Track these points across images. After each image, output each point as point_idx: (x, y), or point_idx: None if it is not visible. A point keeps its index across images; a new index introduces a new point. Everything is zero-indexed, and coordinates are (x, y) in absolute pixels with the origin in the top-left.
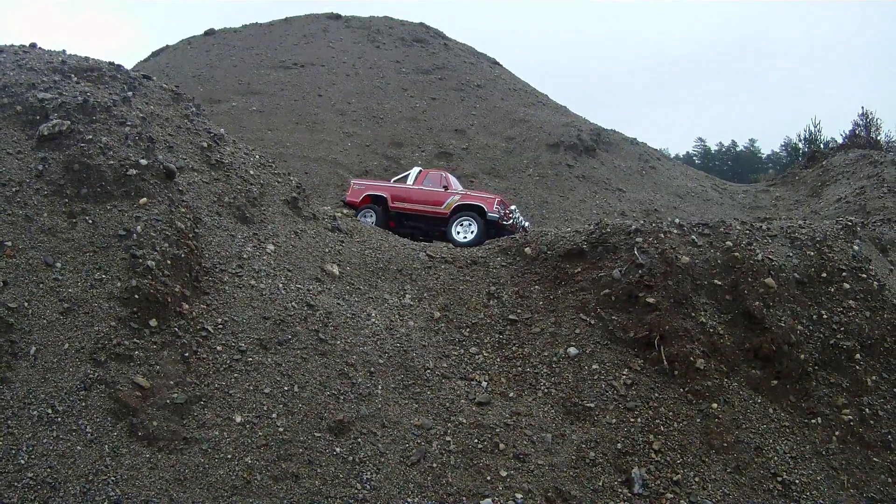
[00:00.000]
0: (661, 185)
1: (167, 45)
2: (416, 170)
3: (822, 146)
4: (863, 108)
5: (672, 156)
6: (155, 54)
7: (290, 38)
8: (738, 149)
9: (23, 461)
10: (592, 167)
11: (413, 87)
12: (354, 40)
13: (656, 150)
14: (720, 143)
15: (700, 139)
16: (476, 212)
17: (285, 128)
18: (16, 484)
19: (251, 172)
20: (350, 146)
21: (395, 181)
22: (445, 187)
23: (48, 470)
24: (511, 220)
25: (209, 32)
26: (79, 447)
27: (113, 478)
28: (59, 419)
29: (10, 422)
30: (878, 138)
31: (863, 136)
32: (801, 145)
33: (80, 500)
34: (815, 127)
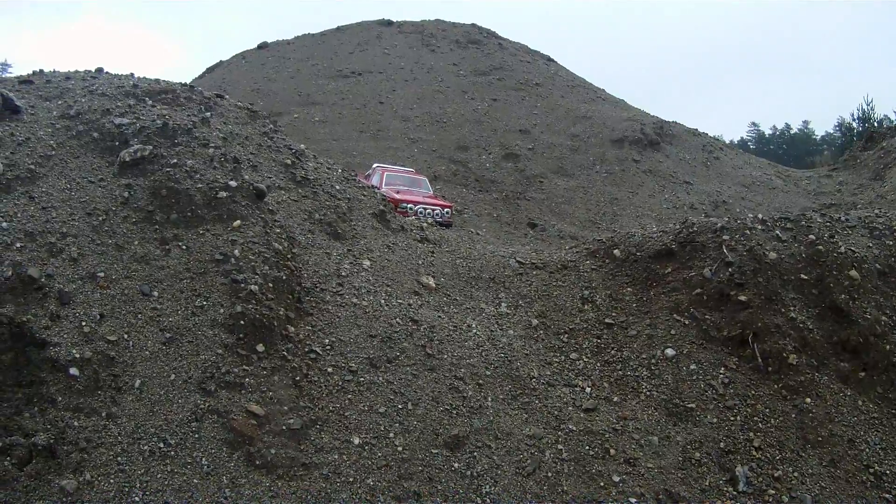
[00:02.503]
0: (726, 175)
1: (221, 61)
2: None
3: (875, 124)
4: None
5: (727, 142)
6: (209, 70)
7: (344, 47)
8: (791, 132)
9: (137, 499)
10: (658, 161)
11: (472, 88)
12: (409, 45)
13: (718, 139)
14: (774, 126)
15: (754, 124)
16: None
17: (350, 137)
18: None
19: (337, 187)
20: (417, 152)
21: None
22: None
23: None
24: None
25: (262, 46)
26: (195, 480)
27: None
28: (172, 452)
29: (119, 458)
30: None
31: None
32: (855, 125)
33: None
34: (868, 105)
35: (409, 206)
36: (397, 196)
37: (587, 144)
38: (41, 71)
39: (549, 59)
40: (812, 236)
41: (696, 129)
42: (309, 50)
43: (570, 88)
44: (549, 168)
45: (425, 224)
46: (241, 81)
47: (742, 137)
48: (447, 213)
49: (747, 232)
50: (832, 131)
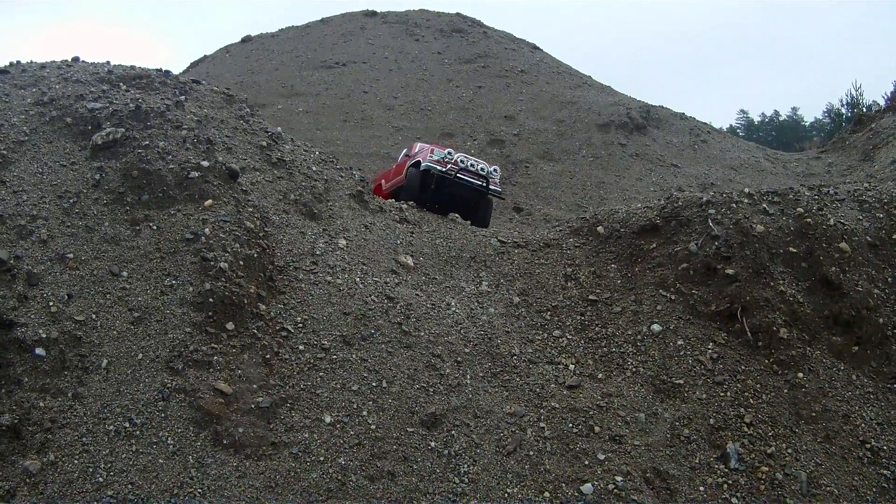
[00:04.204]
0: (714, 158)
1: (205, 56)
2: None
3: (864, 110)
4: None
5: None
6: (194, 65)
7: (328, 39)
8: (780, 118)
9: (101, 479)
10: (645, 144)
11: (457, 77)
12: (393, 35)
13: (705, 123)
14: (762, 113)
15: (742, 111)
16: (415, 167)
17: (334, 126)
18: (95, 503)
19: (313, 169)
20: (401, 140)
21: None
22: (408, 156)
23: (129, 486)
24: (454, 165)
25: (246, 39)
26: (161, 460)
27: (199, 489)
28: (138, 432)
29: (84, 439)
30: None
31: None
32: (844, 110)
33: None
34: (857, 91)
35: (450, 149)
36: (438, 146)
37: (573, 129)
38: (18, 62)
39: (535, 47)
40: (800, 209)
41: (683, 113)
42: (293, 42)
43: (556, 75)
44: (535, 153)
45: (471, 177)
46: (224, 74)
47: (731, 125)
48: (498, 171)
49: (733, 206)
50: (821, 117)
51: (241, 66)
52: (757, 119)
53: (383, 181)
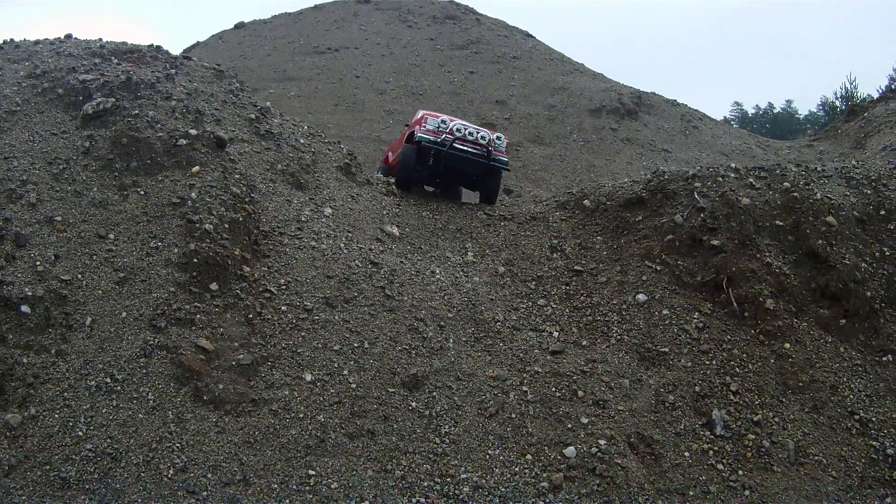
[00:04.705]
0: (705, 144)
1: (198, 42)
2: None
3: (859, 102)
4: None
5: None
6: (186, 51)
7: (321, 25)
8: (775, 111)
9: (81, 433)
10: (636, 130)
11: (449, 62)
12: (386, 22)
13: (697, 110)
14: (757, 106)
15: (737, 103)
16: (409, 141)
17: (325, 109)
18: (73, 457)
19: (301, 141)
20: (392, 123)
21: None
22: (407, 125)
23: (108, 440)
24: (449, 135)
25: (239, 26)
26: (140, 415)
27: (178, 444)
28: (119, 388)
29: (66, 394)
30: None
31: None
32: (838, 103)
33: (143, 470)
34: (852, 84)
35: (444, 117)
36: (432, 113)
37: (564, 114)
38: (11, 39)
39: (528, 35)
40: (787, 184)
41: (675, 100)
42: (286, 28)
43: (548, 62)
44: (526, 137)
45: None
46: (217, 60)
47: (725, 116)
48: (502, 139)
49: (719, 179)
50: (815, 110)
51: (234, 52)
52: (751, 111)
53: (390, 154)
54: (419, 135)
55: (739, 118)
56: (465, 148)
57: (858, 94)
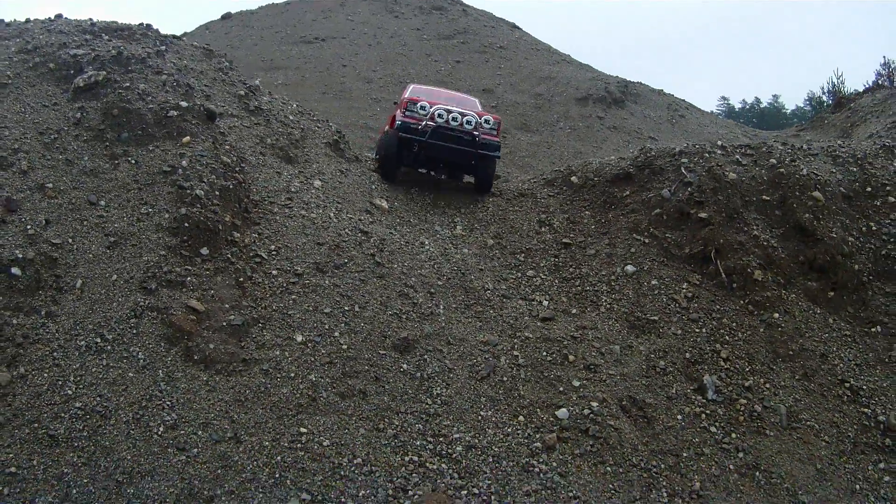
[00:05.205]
0: (691, 133)
1: (185, 32)
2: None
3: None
4: (884, 57)
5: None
6: None
7: (308, 15)
8: (762, 105)
9: (70, 392)
10: (623, 118)
11: (436, 52)
12: (373, 12)
13: (683, 100)
14: (744, 100)
15: (723, 98)
16: (391, 127)
17: (313, 97)
18: (62, 415)
19: (290, 118)
20: (379, 111)
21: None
22: (395, 104)
23: (98, 398)
24: (430, 122)
25: (226, 16)
26: (130, 374)
27: (168, 402)
28: (109, 348)
29: (55, 354)
30: None
31: (886, 87)
32: (825, 98)
33: (133, 427)
34: (839, 79)
35: (423, 103)
36: (413, 96)
37: (551, 103)
38: (1, 20)
39: (514, 26)
40: (773, 160)
41: (662, 90)
42: (272, 18)
43: (535, 52)
44: (513, 124)
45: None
46: None
47: (712, 111)
48: (491, 122)
49: (706, 155)
50: (802, 105)
51: (221, 42)
52: (738, 106)
53: (387, 128)
54: (399, 121)
55: (726, 112)
56: (450, 132)
57: (845, 90)
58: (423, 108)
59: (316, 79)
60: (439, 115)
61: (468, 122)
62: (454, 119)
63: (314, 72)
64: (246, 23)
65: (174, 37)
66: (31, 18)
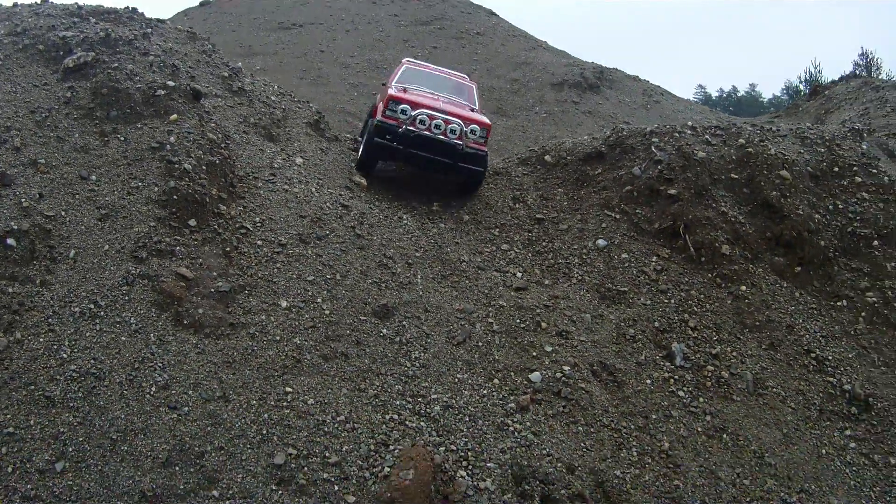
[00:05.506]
0: (666, 118)
1: (162, 20)
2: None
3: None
4: (862, 48)
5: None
6: None
7: (285, 2)
8: (739, 94)
9: (65, 355)
10: (598, 103)
11: (413, 37)
12: None
13: (658, 86)
14: (720, 89)
15: (700, 86)
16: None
17: (290, 82)
18: (58, 377)
19: (273, 99)
20: (357, 96)
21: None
22: (384, 84)
23: (92, 361)
24: (412, 127)
25: (204, 3)
26: (123, 338)
27: (160, 364)
28: (102, 313)
29: (50, 320)
30: (879, 77)
31: (863, 77)
32: (802, 87)
33: (126, 388)
34: (816, 68)
35: (404, 106)
36: (396, 94)
37: (526, 88)
38: None
39: (492, 13)
40: (742, 140)
41: (637, 76)
42: (250, 5)
43: (511, 38)
44: (489, 109)
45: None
46: None
47: (689, 99)
48: (478, 132)
49: (676, 135)
50: (779, 94)
51: (199, 28)
52: (715, 94)
53: (380, 105)
54: (377, 120)
55: (703, 101)
56: (430, 141)
57: (823, 79)
58: (404, 111)
59: (294, 64)
60: (421, 122)
61: (452, 131)
62: (437, 126)
63: (292, 57)
64: (224, 9)
65: (159, 20)
66: (19, 2)
